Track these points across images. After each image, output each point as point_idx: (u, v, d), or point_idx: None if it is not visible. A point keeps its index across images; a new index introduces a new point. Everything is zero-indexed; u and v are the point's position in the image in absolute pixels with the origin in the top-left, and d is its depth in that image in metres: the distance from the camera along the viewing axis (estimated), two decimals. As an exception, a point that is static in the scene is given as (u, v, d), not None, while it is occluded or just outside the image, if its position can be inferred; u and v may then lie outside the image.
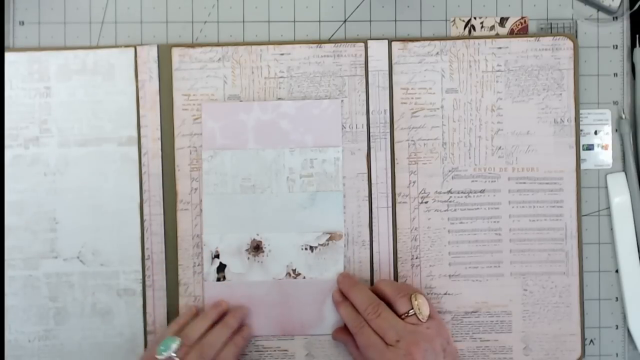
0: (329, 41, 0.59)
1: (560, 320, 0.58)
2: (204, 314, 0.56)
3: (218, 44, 0.59)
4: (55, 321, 0.59)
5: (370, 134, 0.59)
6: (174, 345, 0.52)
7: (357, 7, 0.60)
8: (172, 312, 0.59)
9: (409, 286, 0.57)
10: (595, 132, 0.60)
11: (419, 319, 0.52)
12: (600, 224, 0.59)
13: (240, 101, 0.59)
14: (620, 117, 0.59)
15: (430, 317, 0.52)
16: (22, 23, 0.60)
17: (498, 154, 0.59)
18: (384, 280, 0.57)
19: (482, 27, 0.60)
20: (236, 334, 0.56)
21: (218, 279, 0.58)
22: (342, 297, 0.57)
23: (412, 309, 0.52)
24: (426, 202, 0.59)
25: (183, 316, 0.57)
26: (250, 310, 0.58)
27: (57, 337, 0.59)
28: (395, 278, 0.58)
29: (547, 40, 0.59)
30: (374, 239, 0.59)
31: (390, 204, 0.59)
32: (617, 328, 0.59)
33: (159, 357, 0.52)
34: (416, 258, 0.59)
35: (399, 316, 0.52)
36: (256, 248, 0.59)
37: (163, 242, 0.59)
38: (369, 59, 0.59)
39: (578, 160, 0.59)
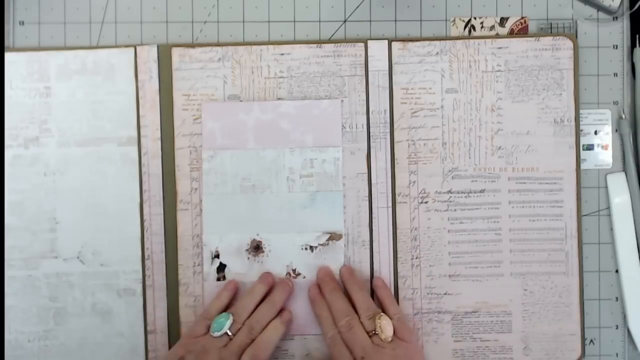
0: (329, 41, 0.59)
1: (560, 320, 0.58)
2: (252, 290, 0.56)
3: (218, 44, 0.59)
4: (55, 321, 0.59)
5: (370, 134, 0.59)
6: (228, 322, 0.53)
7: (357, 7, 0.60)
8: (172, 312, 0.59)
9: (386, 299, 0.56)
10: (595, 132, 0.60)
11: (381, 339, 0.52)
12: (600, 224, 0.59)
13: (240, 101, 0.59)
14: (620, 117, 0.59)
15: (398, 338, 0.53)
16: (22, 23, 0.60)
17: (498, 154, 0.59)
18: (355, 290, 0.56)
19: (482, 27, 0.60)
20: (283, 311, 0.57)
21: (218, 279, 0.58)
22: (319, 294, 0.57)
23: (375, 329, 0.53)
24: (426, 202, 0.59)
25: (224, 292, 0.57)
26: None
27: (57, 337, 0.59)
28: (395, 278, 0.58)
29: (547, 40, 0.59)
30: (374, 239, 0.59)
31: (390, 204, 0.59)
32: (617, 328, 0.59)
33: (214, 334, 0.53)
34: (416, 258, 0.59)
35: (368, 332, 0.53)
36: (256, 248, 0.59)
37: (163, 242, 0.59)
38: (369, 59, 0.59)
39: (578, 160, 0.59)
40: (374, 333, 0.53)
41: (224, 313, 0.54)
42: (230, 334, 0.53)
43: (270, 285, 0.57)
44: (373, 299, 0.57)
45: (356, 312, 0.55)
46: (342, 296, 0.56)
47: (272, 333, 0.55)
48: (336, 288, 0.56)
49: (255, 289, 0.56)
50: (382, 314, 0.54)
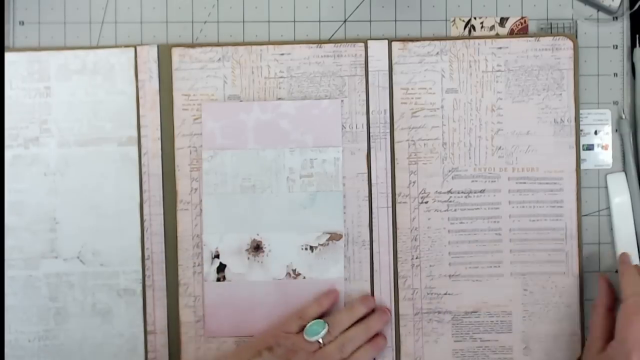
0: (329, 41, 0.59)
1: (560, 320, 0.58)
2: (352, 307, 0.57)
3: (218, 44, 0.59)
4: (55, 321, 0.59)
5: (370, 134, 0.59)
6: (323, 331, 0.54)
7: (357, 7, 0.60)
8: (172, 312, 0.59)
9: None
10: (595, 132, 0.60)
11: None
12: (600, 224, 0.59)
13: (240, 101, 0.59)
14: (620, 117, 0.59)
15: None
16: (22, 23, 0.60)
17: (498, 154, 0.59)
18: None
19: (482, 27, 0.60)
20: (376, 337, 0.57)
21: (218, 279, 0.58)
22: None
23: None
24: (426, 202, 0.59)
25: (325, 299, 0.57)
26: (250, 310, 0.58)
27: (57, 337, 0.59)
28: (395, 278, 0.58)
29: (547, 40, 0.59)
30: (374, 239, 0.59)
31: (390, 204, 0.59)
32: (617, 328, 0.59)
33: (307, 337, 0.54)
34: (416, 258, 0.59)
35: None
36: (256, 248, 0.59)
37: (163, 242, 0.59)
38: (369, 59, 0.59)
39: (578, 160, 0.59)
40: None
41: (319, 320, 0.55)
42: (321, 342, 0.54)
43: (370, 309, 0.57)
44: None
45: None
46: None
47: (363, 357, 0.55)
48: None
49: (355, 307, 0.57)
50: None
